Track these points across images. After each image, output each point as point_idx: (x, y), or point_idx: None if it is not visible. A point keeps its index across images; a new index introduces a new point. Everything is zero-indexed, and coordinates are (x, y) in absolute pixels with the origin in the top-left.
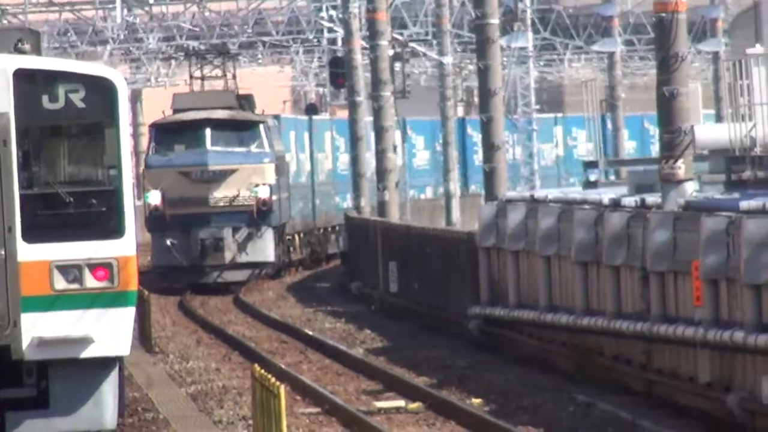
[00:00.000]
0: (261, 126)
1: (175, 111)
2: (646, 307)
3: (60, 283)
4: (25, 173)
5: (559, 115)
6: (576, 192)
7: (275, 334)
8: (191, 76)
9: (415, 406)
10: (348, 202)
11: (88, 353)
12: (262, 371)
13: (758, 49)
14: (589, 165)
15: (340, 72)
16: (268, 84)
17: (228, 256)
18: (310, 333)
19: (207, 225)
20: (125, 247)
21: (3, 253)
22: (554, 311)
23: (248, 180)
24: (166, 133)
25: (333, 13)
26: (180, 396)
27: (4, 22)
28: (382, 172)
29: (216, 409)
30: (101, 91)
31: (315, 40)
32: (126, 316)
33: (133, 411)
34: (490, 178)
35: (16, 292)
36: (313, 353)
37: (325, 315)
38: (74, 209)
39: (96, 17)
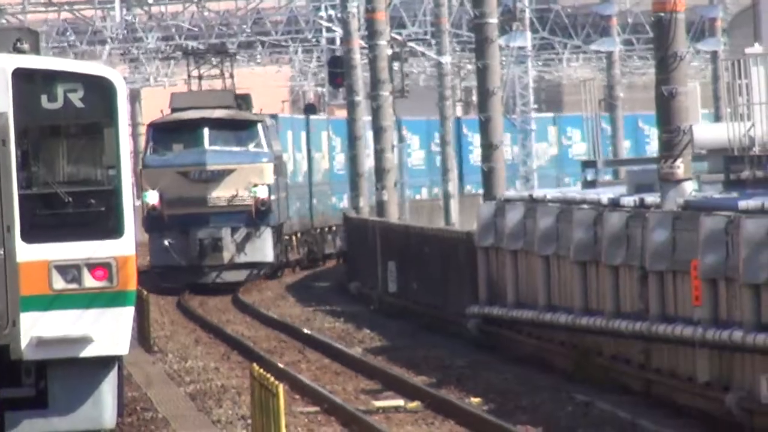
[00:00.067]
0: (259, 125)
1: (173, 110)
2: (645, 306)
3: (59, 283)
4: (24, 173)
5: (553, 114)
6: (575, 192)
7: (274, 334)
8: (189, 76)
9: (413, 405)
10: (344, 202)
11: (87, 353)
12: (261, 370)
13: (757, 48)
14: (587, 164)
15: (338, 71)
16: (267, 84)
17: (226, 256)
18: (309, 332)
19: (205, 225)
20: (124, 247)
21: (2, 253)
22: (553, 311)
23: (247, 180)
24: (164, 133)
25: (332, 12)
26: (179, 395)
27: (3, 21)
28: (380, 172)
29: (215, 408)
30: (100, 90)
31: (314, 39)
32: (125, 316)
33: (132, 410)
34: (488, 177)
35: (15, 291)
36: (312, 352)
37: (324, 314)
38: (73, 209)
39: (95, 17)
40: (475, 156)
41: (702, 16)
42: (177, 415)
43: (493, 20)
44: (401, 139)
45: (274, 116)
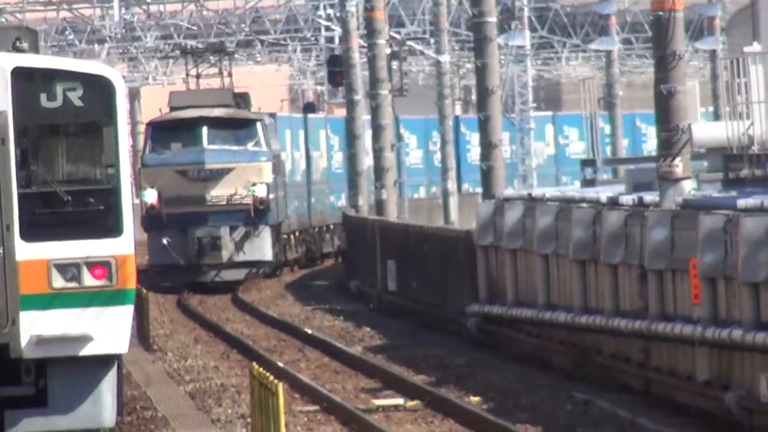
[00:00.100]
0: (258, 124)
1: (172, 109)
2: (644, 305)
3: (58, 282)
4: (23, 172)
5: (551, 113)
6: (574, 190)
7: (273, 332)
8: (188, 75)
9: (413, 404)
10: (342, 201)
11: (86, 351)
12: (261, 369)
13: (756, 47)
14: (587, 163)
15: (337, 70)
16: (266, 83)
17: (225, 255)
18: (309, 331)
19: (204, 224)
20: (123, 246)
21: (1, 251)
22: (552, 309)
23: (245, 178)
24: (163, 132)
25: (330, 11)
26: (178, 394)
27: (2, 20)
28: (379, 171)
29: (214, 407)
30: (99, 89)
31: (312, 38)
32: (124, 315)
33: (132, 409)
34: (487, 176)
35: (15, 290)
36: (312, 351)
37: (324, 313)
38: (72, 208)
39: (94, 16)
40: (473, 155)
41: (701, 15)
42: (176, 414)
43: (492, 19)
44: (399, 137)
45: (272, 115)
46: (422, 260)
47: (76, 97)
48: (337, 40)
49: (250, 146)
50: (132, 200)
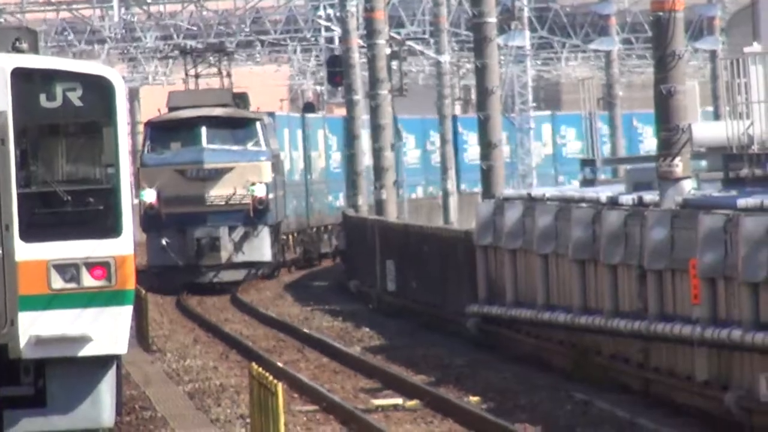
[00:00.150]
0: (257, 124)
1: (171, 109)
2: (644, 305)
3: (57, 282)
4: (22, 172)
5: (548, 113)
6: (573, 190)
7: (273, 333)
8: (187, 74)
9: (412, 404)
10: (341, 201)
11: (85, 352)
12: (260, 369)
13: (755, 47)
14: (586, 163)
15: (337, 70)
16: (266, 83)
17: (224, 255)
18: (308, 331)
19: (203, 224)
20: (123, 246)
21: (1, 252)
22: (552, 310)
23: (244, 178)
24: (162, 131)
25: (330, 12)
26: (177, 394)
27: (2, 20)
28: (379, 171)
29: (213, 407)
30: (99, 89)
31: (312, 38)
32: (123, 315)
33: (131, 409)
34: (487, 176)
35: (14, 290)
36: (311, 351)
37: (323, 313)
38: (72, 208)
39: (94, 16)
40: (470, 154)
41: (700, 15)
42: (176, 414)
43: (492, 19)
44: (399, 137)
45: (271, 114)
46: (422, 260)
47: (75, 97)
48: (336, 41)
49: (249, 146)
50: (131, 200)
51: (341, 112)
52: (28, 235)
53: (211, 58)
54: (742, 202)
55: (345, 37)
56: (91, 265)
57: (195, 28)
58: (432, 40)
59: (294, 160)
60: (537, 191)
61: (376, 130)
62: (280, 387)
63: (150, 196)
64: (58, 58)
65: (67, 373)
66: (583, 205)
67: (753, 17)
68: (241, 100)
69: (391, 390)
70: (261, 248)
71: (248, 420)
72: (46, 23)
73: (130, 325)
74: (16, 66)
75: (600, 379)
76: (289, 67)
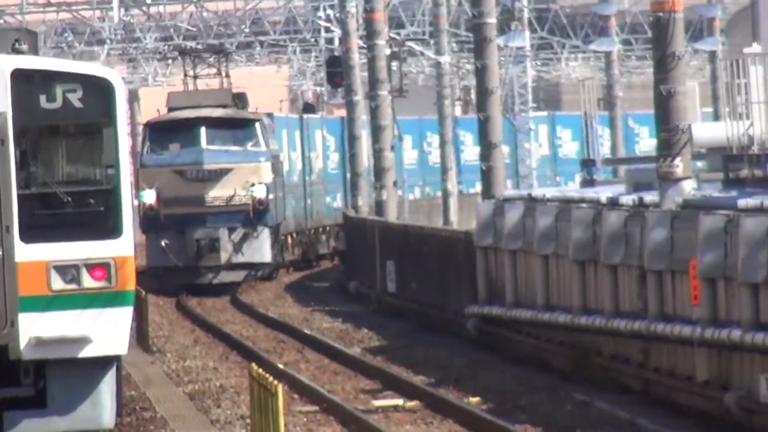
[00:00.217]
0: (257, 124)
1: (170, 110)
2: (644, 306)
3: (57, 283)
4: (22, 173)
5: (545, 113)
6: (573, 191)
7: (273, 334)
8: (186, 75)
9: (412, 404)
10: (338, 202)
11: (85, 353)
12: (260, 370)
13: (755, 48)
14: (587, 163)
15: (337, 71)
16: (266, 83)
17: (224, 256)
18: (308, 332)
19: (202, 225)
20: (123, 247)
21: (1, 253)
22: (552, 310)
23: (244, 179)
24: (161, 132)
25: (330, 12)
26: (178, 395)
27: (2, 21)
28: (379, 172)
29: (213, 408)
30: (99, 90)
31: (312, 39)
32: (123, 316)
33: (131, 410)
34: (487, 176)
35: (14, 292)
36: (311, 352)
37: (323, 314)
38: (72, 209)
39: (93, 17)
40: (467, 155)
41: (700, 16)
42: (176, 415)
43: (492, 20)
44: (400, 138)
45: (269, 115)
46: (422, 261)
47: (75, 98)
48: (336, 42)
49: (249, 146)
50: (132, 201)
51: (341, 113)
52: (28, 236)
53: (210, 58)
54: (742, 203)
55: (345, 38)
56: (92, 266)
57: (195, 29)
58: (432, 41)
59: (292, 161)
60: (537, 192)
61: (376, 130)
62: (280, 388)
63: (149, 197)
64: (58, 59)
65: (67, 374)
66: (584, 205)
67: (753, 18)
68: (239, 100)
69: (391, 391)
70: (261, 249)
71: (248, 421)
72: (46, 24)
73: (130, 326)
74: (16, 67)
75: (600, 379)
76: (289, 68)
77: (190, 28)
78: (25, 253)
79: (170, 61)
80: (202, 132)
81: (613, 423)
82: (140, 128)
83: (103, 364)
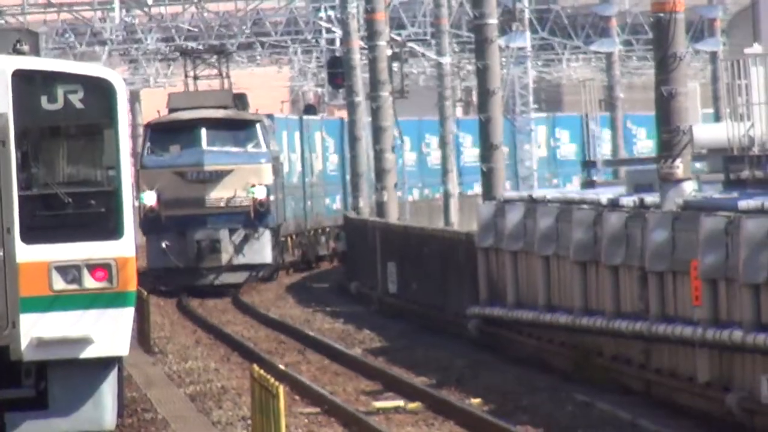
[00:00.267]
0: (257, 125)
1: (171, 110)
2: (645, 306)
3: (59, 284)
4: (23, 174)
5: (543, 115)
6: (574, 192)
7: (274, 335)
8: (186, 76)
9: (414, 406)
10: (338, 204)
11: (87, 354)
12: (261, 371)
13: (756, 48)
14: (587, 164)
15: (338, 72)
16: (267, 84)
17: (225, 258)
18: (310, 333)
19: (203, 226)
20: (124, 248)
21: (2, 254)
22: (553, 311)
23: (245, 180)
24: (161, 133)
25: (331, 13)
26: (179, 396)
27: (3, 22)
28: (380, 173)
29: (215, 409)
30: (100, 91)
31: (313, 40)
32: (125, 317)
33: (133, 411)
34: (488, 178)
35: (15, 292)
36: (312, 353)
37: (324, 315)
38: (73, 210)
39: (94, 18)
40: (466, 156)
41: (701, 16)
42: (177, 416)
43: (493, 21)
44: (401, 139)
45: (270, 116)
46: (423, 262)
47: (76, 99)
48: (337, 42)
49: (249, 148)
50: (133, 202)
51: (342, 114)
52: (29, 237)
53: (210, 59)
54: (743, 204)
55: (346, 39)
56: (93, 267)
57: (196, 30)
58: (433, 42)
59: (292, 163)
60: (538, 193)
61: (377, 132)
62: (281, 389)
63: (150, 198)
64: (59, 60)
65: (68, 375)
66: (584, 206)
67: (753, 18)
68: (239, 101)
69: (392, 392)
70: (262, 250)
71: (249, 422)
72: (47, 25)
73: (131, 327)
74: (17, 68)
75: (601, 380)
76: (290, 69)
77: (191, 28)
78: (27, 253)
79: (171, 62)
80: (203, 133)
81: (614, 424)
82: (141, 129)
83: (104, 365)
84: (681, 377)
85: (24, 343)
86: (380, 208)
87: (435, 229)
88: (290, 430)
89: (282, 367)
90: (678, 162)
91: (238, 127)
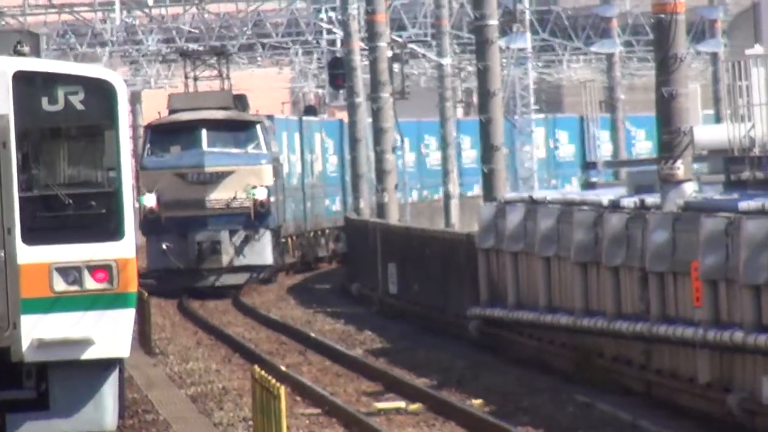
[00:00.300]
0: (258, 127)
1: (171, 112)
2: (646, 307)
3: (59, 285)
4: (24, 175)
5: (542, 116)
6: (575, 193)
7: (275, 336)
8: (186, 77)
9: (415, 407)
10: (337, 205)
11: (88, 355)
12: (262, 372)
13: (757, 49)
14: (588, 165)
15: (339, 73)
16: (267, 86)
17: (225, 259)
18: (312, 334)
19: (204, 228)
20: (125, 249)
21: (2, 255)
22: (554, 312)
23: (245, 182)
24: (162, 134)
25: (332, 14)
26: (180, 397)
27: (3, 23)
28: (380, 174)
29: (216, 410)
30: (101, 93)
31: (314, 41)
32: (126, 318)
33: (134, 412)
34: (488, 179)
35: (16, 294)
36: (313, 354)
37: (325, 316)
38: (74, 211)
39: (95, 19)
40: (465, 158)
41: (702, 17)
42: (178, 418)
43: (494, 22)
44: (402, 140)
45: (270, 117)
46: (423, 263)
47: (77, 100)
48: (338, 43)
49: (250, 149)
50: (133, 204)
51: (343, 115)
52: (30, 238)
53: (210, 60)
54: (743, 205)
55: (346, 40)
56: (93, 268)
57: (197, 31)
58: (433, 43)
59: (292, 164)
60: (539, 194)
61: (377, 133)
62: (282, 390)
63: (150, 200)
64: (60, 61)
65: (69, 376)
66: (585, 208)
67: (754, 20)
68: (239, 102)
69: (393, 393)
70: (262, 252)
71: (251, 423)
72: (48, 26)
73: (132, 328)
74: (18, 69)
75: (602, 381)
76: (291, 70)
77: (192, 30)
78: (27, 255)
79: (172, 63)
80: (203, 134)
81: (615, 425)
82: (142, 131)
83: (105, 366)
84: (682, 378)
85: (25, 344)
86: (381, 209)
87: (436, 230)
88: (291, 431)
89: (283, 368)
90: (679, 163)
91: (238, 129)
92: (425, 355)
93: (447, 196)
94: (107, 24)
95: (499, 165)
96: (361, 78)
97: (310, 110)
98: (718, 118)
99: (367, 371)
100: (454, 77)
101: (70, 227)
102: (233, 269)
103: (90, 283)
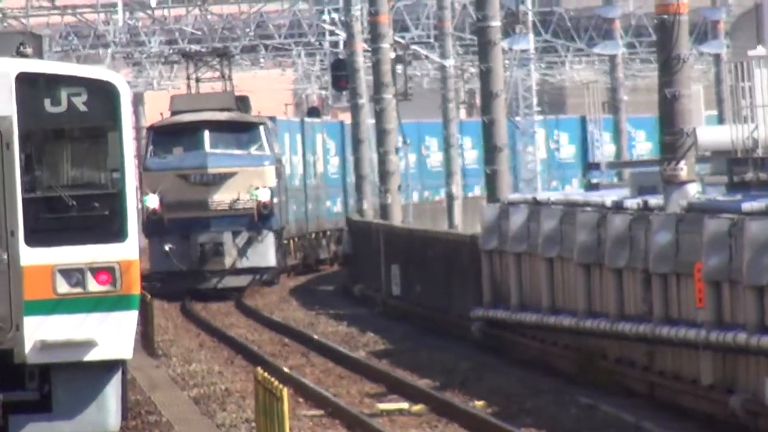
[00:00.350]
0: (261, 128)
1: (174, 113)
2: (649, 309)
3: (62, 287)
4: (27, 177)
5: (541, 117)
6: (578, 194)
7: (278, 337)
8: (188, 78)
9: (418, 408)
10: (338, 207)
11: (90, 357)
12: (265, 374)
13: (760, 50)
14: (591, 167)
15: (342, 74)
16: (270, 87)
17: (228, 261)
18: (314, 336)
19: (206, 229)
20: (128, 251)
21: (5, 257)
22: (557, 313)
23: (248, 183)
24: (164, 136)
25: (335, 16)
26: (183, 399)
27: (6, 25)
28: (384, 175)
29: (219, 412)
30: (103, 94)
31: (317, 43)
32: (128, 320)
33: (136, 414)
34: (492, 180)
35: (19, 295)
36: (316, 356)
37: (328, 318)
38: (77, 213)
39: (98, 21)
40: (467, 159)
41: (705, 18)
42: (181, 419)
43: (496, 23)
44: (405, 141)
45: (272, 119)
46: (426, 264)
47: (80, 102)
48: (341, 45)
49: (252, 150)
50: (136, 205)
51: (346, 116)
52: (33, 240)
53: (212, 61)
54: (746, 206)
55: (349, 41)
56: (96, 270)
57: (199, 33)
58: (436, 44)
59: (294, 165)
60: (542, 195)
61: (380, 134)
62: (285, 392)
63: (153, 201)
64: (63, 62)
65: (72, 378)
66: (588, 209)
67: (757, 21)
68: (242, 104)
69: (396, 394)
70: (265, 254)
71: (254, 425)
72: (51, 28)
73: (135, 330)
74: (21, 71)
75: (605, 382)
76: (294, 72)
77: (194, 31)
78: (30, 256)
79: (175, 64)
80: (206, 135)
81: (618, 426)
82: (145, 132)
83: (108, 367)
84: (685, 379)
85: (28, 346)
86: (384, 210)
87: (438, 231)
88: None
89: (286, 369)
90: (682, 164)
91: (241, 130)
92: (428, 356)
93: (450, 198)
94: (110, 25)
95: (502, 166)
96: (364, 79)
97: (313, 112)
98: (721, 120)
99: (370, 373)
100: (456, 78)
101: (73, 229)
102: (236, 271)
103: (93, 285)
